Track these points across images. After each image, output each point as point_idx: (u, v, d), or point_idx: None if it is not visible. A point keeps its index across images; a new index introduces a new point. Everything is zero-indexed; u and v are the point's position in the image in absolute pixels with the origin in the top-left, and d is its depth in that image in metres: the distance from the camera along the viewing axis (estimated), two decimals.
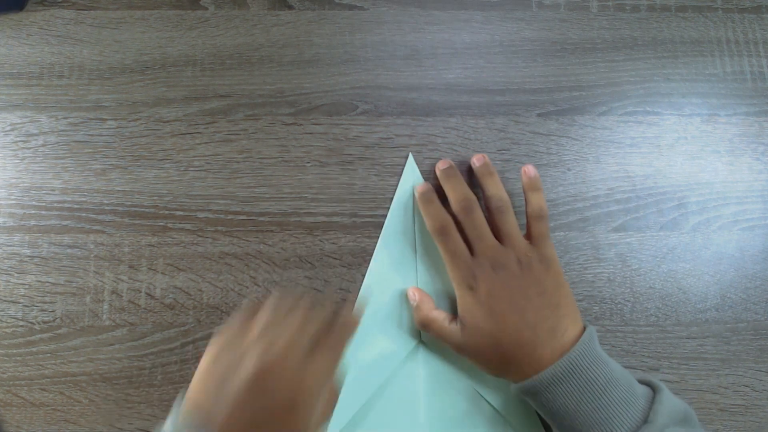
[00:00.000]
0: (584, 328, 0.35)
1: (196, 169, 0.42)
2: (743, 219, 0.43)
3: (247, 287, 0.40)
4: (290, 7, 0.45)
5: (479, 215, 0.38)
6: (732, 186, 0.43)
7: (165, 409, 0.39)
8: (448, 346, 0.37)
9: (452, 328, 0.36)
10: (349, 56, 0.45)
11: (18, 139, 0.42)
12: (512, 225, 0.37)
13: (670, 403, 0.32)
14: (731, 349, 0.41)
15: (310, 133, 0.43)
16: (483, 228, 0.37)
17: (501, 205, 0.38)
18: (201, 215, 0.41)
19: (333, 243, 0.41)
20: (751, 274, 0.42)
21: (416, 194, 0.40)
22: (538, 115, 0.44)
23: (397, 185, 0.42)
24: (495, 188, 0.39)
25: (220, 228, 0.41)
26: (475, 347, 0.36)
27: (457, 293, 0.37)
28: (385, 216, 0.41)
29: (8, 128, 0.42)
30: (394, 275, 0.40)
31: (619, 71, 0.45)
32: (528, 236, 0.38)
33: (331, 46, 0.45)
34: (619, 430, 0.31)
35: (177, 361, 0.39)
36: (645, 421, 0.31)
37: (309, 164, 0.42)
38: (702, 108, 0.45)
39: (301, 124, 0.43)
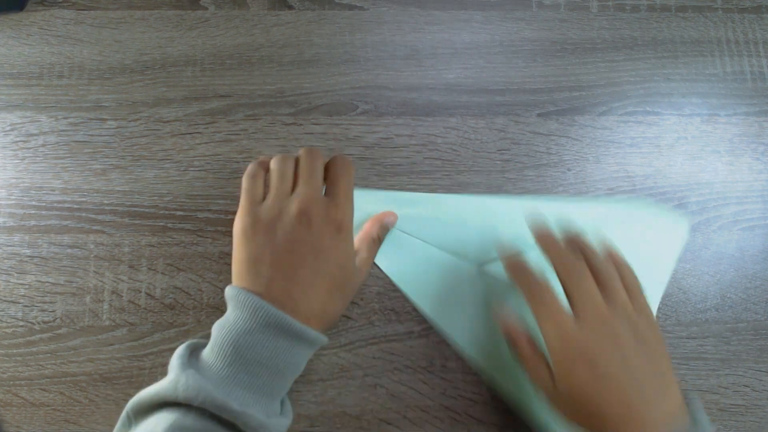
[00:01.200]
0: (683, 397, 0.32)
1: (196, 169, 0.42)
2: (743, 219, 0.43)
3: None
4: (290, 7, 0.45)
5: (588, 275, 0.33)
6: (732, 186, 0.43)
7: None
8: (534, 385, 0.33)
9: (544, 375, 0.32)
10: (349, 56, 0.45)
11: (18, 139, 0.42)
12: (620, 287, 0.33)
13: None
14: (731, 349, 0.41)
15: (310, 133, 0.43)
16: (587, 281, 0.32)
17: (597, 258, 0.33)
18: (201, 215, 0.41)
19: None
20: (751, 274, 0.42)
21: (505, 256, 0.35)
22: (538, 115, 0.44)
23: (397, 185, 0.42)
24: (598, 261, 0.33)
25: (220, 228, 0.41)
26: (569, 407, 0.32)
27: (553, 356, 0.32)
28: None
29: (8, 128, 0.42)
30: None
31: (619, 71, 0.45)
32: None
33: (331, 46, 0.45)
34: None
35: None
36: None
37: None
38: (702, 108, 0.45)
39: (301, 124, 0.43)
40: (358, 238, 0.37)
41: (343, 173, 0.35)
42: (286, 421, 0.32)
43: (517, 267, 0.34)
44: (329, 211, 0.34)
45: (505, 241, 0.40)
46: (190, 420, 0.28)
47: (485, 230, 0.40)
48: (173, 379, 0.29)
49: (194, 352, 0.32)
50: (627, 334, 0.31)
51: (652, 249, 0.41)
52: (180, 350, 0.32)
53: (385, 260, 0.40)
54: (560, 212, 0.40)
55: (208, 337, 0.39)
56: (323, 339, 0.33)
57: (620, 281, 0.33)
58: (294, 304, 0.32)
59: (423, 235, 0.40)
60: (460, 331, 0.39)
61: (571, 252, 0.33)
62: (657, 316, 0.41)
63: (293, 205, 0.33)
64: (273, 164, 0.36)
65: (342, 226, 0.34)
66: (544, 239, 0.34)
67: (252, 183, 0.35)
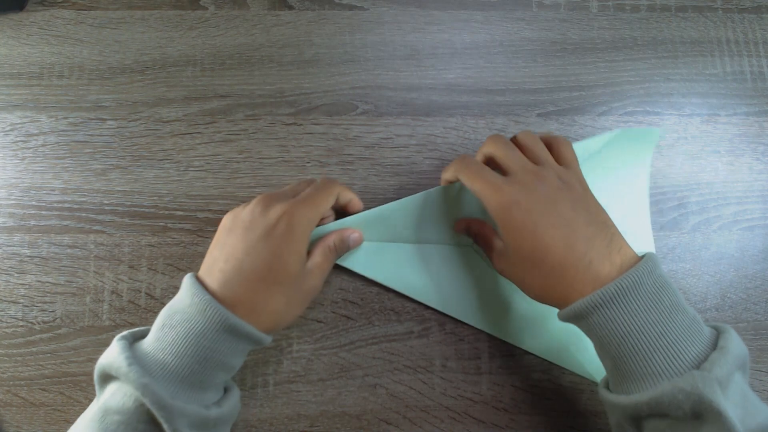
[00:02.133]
0: (639, 258, 0.31)
1: (196, 169, 0.42)
2: (743, 219, 0.43)
3: None
4: (290, 7, 0.45)
5: (509, 143, 0.35)
6: (732, 186, 0.43)
7: None
8: (492, 264, 0.36)
9: (498, 244, 0.35)
10: (349, 56, 0.45)
11: (18, 139, 0.42)
12: (543, 151, 0.35)
13: (738, 340, 0.29)
14: None
15: (310, 133, 0.43)
16: (516, 152, 0.34)
17: (528, 138, 0.35)
18: (201, 215, 0.41)
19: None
20: (751, 274, 0.42)
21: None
22: (538, 115, 0.44)
23: (397, 185, 0.42)
24: (521, 133, 0.36)
25: None
26: (521, 269, 0.33)
27: (500, 217, 0.33)
28: None
29: (8, 128, 0.42)
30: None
31: (619, 71, 0.45)
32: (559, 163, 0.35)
33: (331, 46, 0.45)
34: (686, 355, 0.27)
35: None
36: (715, 348, 0.28)
37: (309, 164, 0.42)
38: (702, 108, 0.45)
39: (301, 124, 0.43)
40: (314, 245, 0.37)
41: (322, 184, 0.36)
42: (219, 410, 0.32)
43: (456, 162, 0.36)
44: (284, 208, 0.34)
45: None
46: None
47: (450, 212, 0.40)
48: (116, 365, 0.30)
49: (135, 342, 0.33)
50: (553, 180, 0.33)
51: (627, 159, 0.42)
52: (120, 347, 0.31)
53: (380, 273, 0.40)
54: None
55: None
56: (265, 338, 0.33)
57: (549, 153, 0.35)
58: (245, 311, 0.32)
59: (399, 238, 0.40)
60: (470, 309, 0.40)
61: (504, 141, 0.35)
62: None
63: (275, 211, 0.33)
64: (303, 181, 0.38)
65: (289, 225, 0.33)
66: (487, 141, 0.36)
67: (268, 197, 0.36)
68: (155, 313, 0.40)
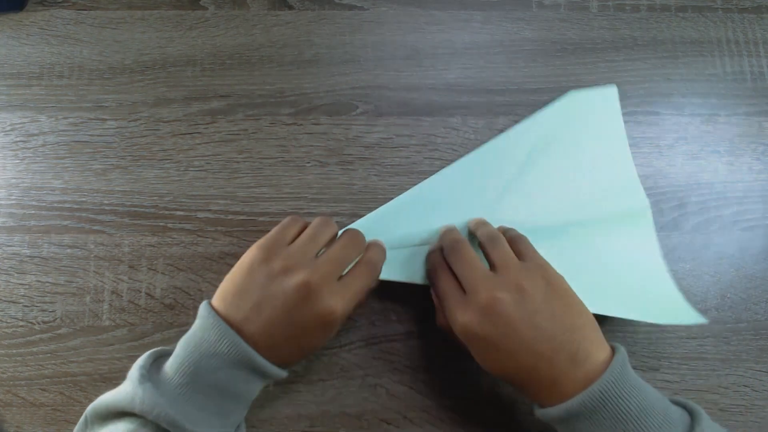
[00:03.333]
0: (613, 351, 0.31)
1: (196, 169, 0.42)
2: (743, 219, 0.43)
3: None
4: (290, 7, 0.45)
5: (470, 253, 0.34)
6: (732, 186, 0.43)
7: None
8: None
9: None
10: (349, 56, 0.45)
11: (18, 139, 0.42)
12: (505, 248, 0.34)
13: (711, 429, 0.29)
14: (731, 349, 0.41)
15: (310, 133, 0.43)
16: (473, 263, 0.34)
17: (490, 234, 0.36)
18: (201, 215, 0.41)
19: None
20: (751, 274, 0.42)
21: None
22: None
23: (397, 185, 0.42)
24: (481, 227, 0.37)
25: (220, 228, 0.41)
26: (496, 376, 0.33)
27: (459, 336, 0.33)
28: None
29: (8, 128, 0.42)
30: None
31: (619, 71, 0.45)
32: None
33: (331, 46, 0.45)
34: None
35: None
36: None
37: (309, 164, 0.42)
38: (702, 108, 0.45)
39: (301, 124, 0.43)
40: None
41: (367, 275, 0.35)
42: None
43: (445, 231, 0.37)
44: (332, 299, 0.32)
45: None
46: None
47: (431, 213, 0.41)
48: (130, 391, 0.29)
49: (158, 360, 0.32)
50: (512, 296, 0.31)
51: (596, 124, 0.43)
52: (142, 360, 0.31)
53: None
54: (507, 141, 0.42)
55: None
56: (282, 374, 0.33)
57: (509, 251, 0.35)
58: (264, 348, 0.32)
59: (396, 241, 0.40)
60: None
61: (464, 253, 0.35)
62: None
63: (305, 272, 0.32)
64: (315, 221, 0.35)
65: (334, 322, 0.32)
66: (474, 223, 0.38)
67: (288, 225, 0.35)
68: (155, 313, 0.40)
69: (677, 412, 0.30)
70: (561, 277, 0.34)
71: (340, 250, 0.34)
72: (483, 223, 0.38)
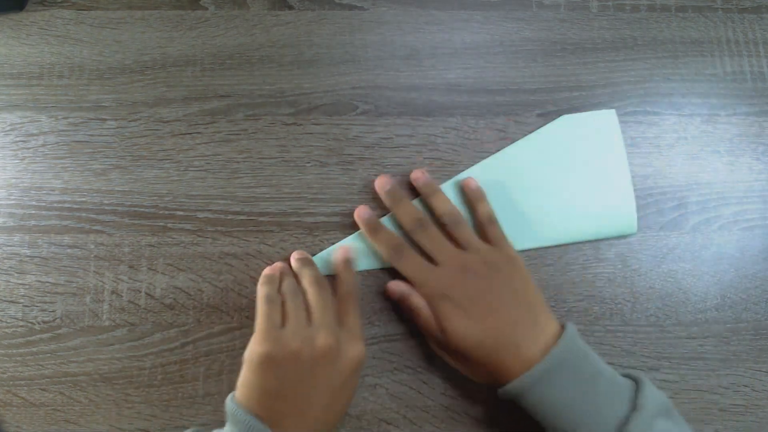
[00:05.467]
0: (562, 326, 0.35)
1: (196, 169, 0.42)
2: (743, 219, 0.43)
3: (247, 287, 0.40)
4: (290, 7, 0.45)
5: (434, 230, 0.38)
6: (732, 186, 0.43)
7: (165, 409, 0.39)
8: (432, 346, 0.38)
9: (433, 326, 0.36)
10: (349, 56, 0.45)
11: (18, 139, 0.42)
12: (469, 233, 0.38)
13: (653, 394, 0.32)
14: (731, 349, 0.41)
15: (310, 133, 0.43)
16: (441, 240, 0.37)
17: (453, 218, 0.38)
18: (201, 215, 0.41)
19: (333, 243, 0.41)
20: (751, 274, 0.42)
21: (360, 222, 0.39)
22: (538, 115, 0.44)
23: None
24: (443, 204, 0.39)
25: (220, 228, 0.41)
26: (458, 351, 0.36)
27: (432, 305, 0.36)
28: (385, 215, 0.41)
29: (8, 128, 0.42)
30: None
31: (619, 71, 0.45)
32: (486, 242, 0.38)
33: (331, 46, 0.45)
34: (609, 420, 0.31)
35: (177, 361, 0.39)
36: (633, 409, 0.31)
37: (309, 164, 0.42)
38: (702, 108, 0.45)
39: (301, 124, 0.43)
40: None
41: (352, 303, 0.37)
42: None
43: (373, 226, 0.39)
44: (350, 348, 0.34)
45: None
46: None
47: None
48: None
49: None
50: (480, 267, 0.36)
51: (595, 148, 0.43)
52: None
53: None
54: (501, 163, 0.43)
55: (208, 337, 0.39)
56: None
57: (465, 226, 0.38)
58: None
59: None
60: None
61: (428, 228, 0.38)
62: (657, 316, 0.41)
63: (318, 340, 0.33)
64: (286, 289, 0.36)
65: (361, 365, 0.35)
66: (391, 200, 0.40)
67: (269, 308, 0.35)
68: (155, 312, 0.40)
69: (623, 379, 0.33)
70: (521, 260, 0.38)
71: (322, 302, 0.35)
72: (437, 194, 0.40)
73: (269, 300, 0.35)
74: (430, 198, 0.40)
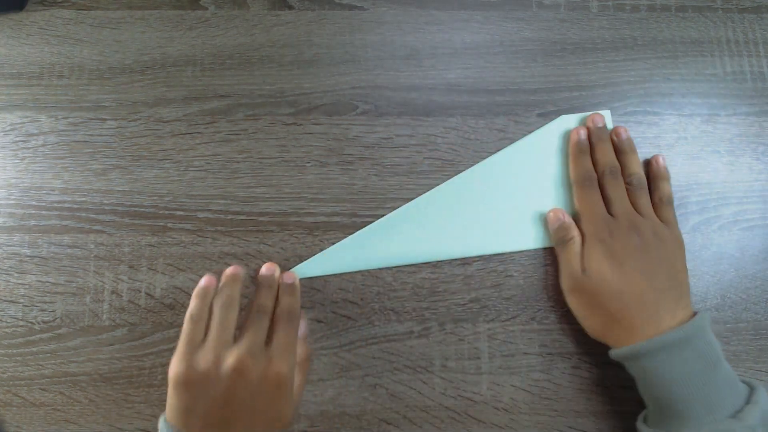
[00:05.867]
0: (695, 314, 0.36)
1: (196, 169, 0.42)
2: (743, 219, 0.43)
3: (247, 287, 0.40)
4: (290, 7, 0.45)
5: (622, 183, 0.39)
6: (732, 186, 0.43)
7: (164, 408, 0.38)
8: (564, 283, 0.39)
9: (578, 263, 0.38)
10: (349, 56, 0.45)
11: (18, 139, 0.42)
12: (648, 203, 0.39)
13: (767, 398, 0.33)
14: (731, 349, 0.41)
15: (310, 133, 0.43)
16: (624, 194, 0.39)
17: (640, 183, 0.39)
18: (201, 215, 0.41)
19: (333, 243, 0.41)
20: (751, 274, 0.42)
21: (571, 141, 0.41)
22: (538, 115, 0.44)
23: (397, 185, 0.42)
24: (636, 166, 0.40)
25: (220, 228, 0.41)
26: (592, 295, 0.37)
27: (587, 244, 0.38)
28: (385, 215, 0.41)
29: (8, 128, 0.42)
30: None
31: (619, 71, 0.45)
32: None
33: (331, 46, 0.45)
34: (726, 404, 0.32)
35: None
36: (748, 402, 0.32)
37: (309, 164, 0.42)
38: (702, 108, 0.45)
39: (301, 124, 0.43)
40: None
41: (287, 322, 0.35)
42: None
43: (580, 148, 0.41)
44: (269, 366, 0.33)
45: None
46: None
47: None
48: None
49: None
50: (648, 233, 0.37)
51: None
52: None
53: (372, 260, 0.40)
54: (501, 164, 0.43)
55: None
56: None
57: (647, 194, 0.40)
58: None
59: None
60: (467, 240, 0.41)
61: (617, 180, 0.39)
62: None
63: (230, 359, 0.32)
64: (216, 308, 0.35)
65: (281, 382, 0.33)
66: (598, 138, 0.41)
67: (192, 327, 0.34)
68: (155, 312, 0.40)
69: (740, 382, 0.34)
70: (684, 243, 0.39)
71: (254, 322, 0.35)
72: (633, 154, 0.41)
73: (191, 318, 0.34)
74: (626, 155, 0.41)
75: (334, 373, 0.39)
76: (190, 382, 0.32)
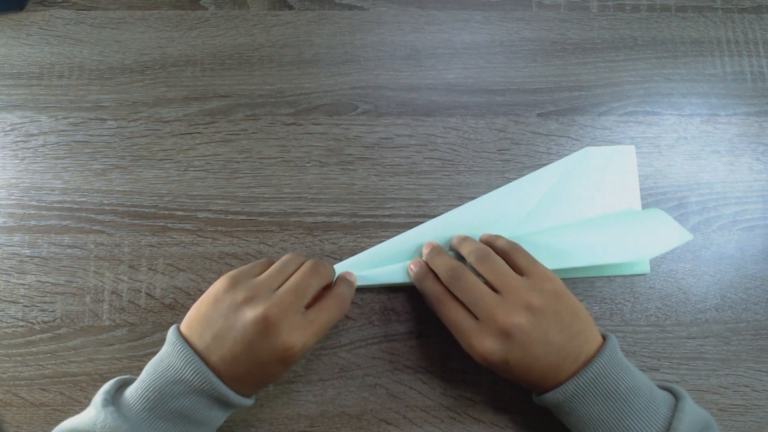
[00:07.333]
0: (604, 339, 0.34)
1: (196, 169, 0.42)
2: (743, 219, 0.43)
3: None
4: (290, 7, 0.45)
5: (470, 277, 0.35)
6: (732, 186, 0.43)
7: None
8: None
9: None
10: (349, 56, 0.45)
11: (18, 139, 0.42)
12: (500, 265, 0.35)
13: (692, 412, 0.31)
14: (731, 349, 0.41)
15: (310, 133, 0.43)
16: (478, 288, 0.34)
17: (480, 254, 0.36)
18: (201, 215, 0.41)
19: (333, 243, 0.41)
20: (751, 274, 0.42)
21: (410, 273, 0.38)
22: (538, 115, 0.44)
23: (397, 185, 0.42)
24: (467, 245, 0.37)
25: (220, 228, 0.41)
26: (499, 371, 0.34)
27: (486, 365, 0.34)
28: (385, 215, 0.41)
29: (8, 128, 0.42)
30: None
31: (619, 71, 0.45)
32: (517, 273, 0.35)
33: (331, 46, 0.45)
34: None
35: None
36: (667, 429, 0.31)
37: (309, 164, 0.42)
38: (702, 108, 0.45)
39: (301, 124, 0.43)
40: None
41: (334, 308, 0.34)
42: None
43: (420, 275, 0.37)
44: (291, 335, 0.32)
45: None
46: None
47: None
48: (93, 415, 0.30)
49: (121, 388, 0.33)
50: (521, 318, 0.32)
51: (611, 181, 0.43)
52: (107, 386, 0.32)
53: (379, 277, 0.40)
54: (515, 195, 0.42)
55: None
56: (247, 402, 0.33)
57: (507, 269, 0.35)
58: (226, 376, 0.32)
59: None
60: None
61: (466, 280, 0.35)
62: (657, 316, 0.41)
63: (264, 304, 0.32)
64: (284, 257, 0.36)
65: (292, 357, 0.32)
66: (456, 240, 0.39)
67: (259, 262, 0.36)
68: (155, 312, 0.40)
69: (662, 395, 0.33)
70: (560, 282, 0.35)
71: (300, 279, 0.34)
72: (465, 240, 0.38)
73: (266, 259, 0.36)
74: (456, 248, 0.39)
75: (334, 373, 0.39)
76: (224, 301, 0.32)
